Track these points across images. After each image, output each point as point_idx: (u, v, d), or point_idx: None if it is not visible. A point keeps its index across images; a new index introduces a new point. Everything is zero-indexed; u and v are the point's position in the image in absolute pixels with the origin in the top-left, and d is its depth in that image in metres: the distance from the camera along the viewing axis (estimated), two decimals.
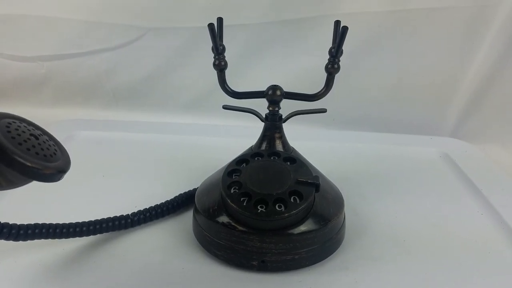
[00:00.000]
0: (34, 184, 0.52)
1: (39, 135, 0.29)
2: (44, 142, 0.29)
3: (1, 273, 0.38)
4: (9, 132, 0.27)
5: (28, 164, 0.26)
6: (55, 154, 0.29)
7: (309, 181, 0.39)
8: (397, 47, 0.70)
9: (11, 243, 0.35)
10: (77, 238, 0.40)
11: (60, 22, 0.74)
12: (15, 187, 0.28)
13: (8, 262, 0.39)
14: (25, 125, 0.29)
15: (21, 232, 0.35)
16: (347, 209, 0.43)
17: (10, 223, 0.34)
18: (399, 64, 0.72)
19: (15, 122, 0.28)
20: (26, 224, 0.36)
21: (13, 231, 0.34)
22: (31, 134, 0.28)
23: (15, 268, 0.38)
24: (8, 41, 0.76)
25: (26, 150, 0.27)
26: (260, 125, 0.46)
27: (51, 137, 0.30)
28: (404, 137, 0.69)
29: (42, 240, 0.38)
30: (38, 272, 0.38)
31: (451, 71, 0.72)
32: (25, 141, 0.27)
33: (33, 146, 0.28)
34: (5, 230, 0.33)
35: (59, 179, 0.29)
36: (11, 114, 0.29)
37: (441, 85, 0.73)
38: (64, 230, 0.38)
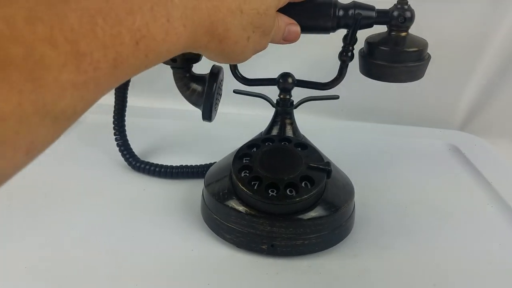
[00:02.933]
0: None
1: (220, 95, 0.44)
2: (218, 100, 0.43)
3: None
4: (219, 88, 0.42)
5: (212, 115, 0.42)
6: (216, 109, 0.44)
7: (320, 166, 0.39)
8: None
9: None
10: (84, 215, 0.41)
11: None
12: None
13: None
14: (221, 83, 0.43)
15: None
16: (356, 199, 0.43)
17: None
18: None
19: (222, 81, 0.43)
20: None
21: None
22: (218, 93, 0.42)
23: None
24: None
25: (215, 104, 0.42)
26: (270, 114, 0.46)
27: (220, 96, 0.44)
28: (413, 129, 0.69)
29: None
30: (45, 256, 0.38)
31: (462, 65, 0.71)
32: (217, 97, 0.42)
33: (216, 103, 0.43)
34: None
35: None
36: (222, 72, 0.43)
37: (452, 79, 0.72)
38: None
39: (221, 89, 0.44)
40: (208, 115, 0.42)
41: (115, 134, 0.52)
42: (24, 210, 0.43)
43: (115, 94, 0.51)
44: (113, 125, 0.52)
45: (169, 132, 0.64)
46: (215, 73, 0.42)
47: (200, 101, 0.42)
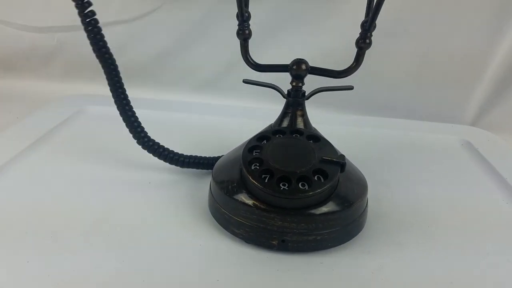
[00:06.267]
0: (41, 157, 0.49)
1: None
2: None
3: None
4: None
5: None
6: None
7: (334, 159, 0.37)
8: (421, 33, 0.68)
9: None
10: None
11: None
12: None
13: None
14: None
15: None
16: (369, 195, 0.41)
17: None
18: (422, 50, 0.69)
19: None
20: None
21: None
22: None
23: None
24: (19, 11, 0.74)
25: None
26: (278, 107, 0.45)
27: None
28: (425, 124, 0.67)
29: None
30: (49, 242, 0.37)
31: (475, 59, 0.70)
32: None
33: None
34: None
35: None
36: None
37: (464, 74, 0.71)
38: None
39: None
40: None
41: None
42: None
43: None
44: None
45: (176, 124, 0.63)
46: None
47: None
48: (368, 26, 0.37)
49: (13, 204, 0.41)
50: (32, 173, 0.47)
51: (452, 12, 0.67)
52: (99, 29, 0.39)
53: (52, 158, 0.51)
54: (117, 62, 0.77)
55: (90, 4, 0.37)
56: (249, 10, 0.41)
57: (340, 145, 0.45)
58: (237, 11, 0.39)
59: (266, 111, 0.47)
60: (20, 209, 0.41)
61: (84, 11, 0.37)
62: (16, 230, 0.38)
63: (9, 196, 0.43)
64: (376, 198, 0.45)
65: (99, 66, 0.78)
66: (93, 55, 0.77)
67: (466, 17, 0.67)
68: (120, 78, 0.43)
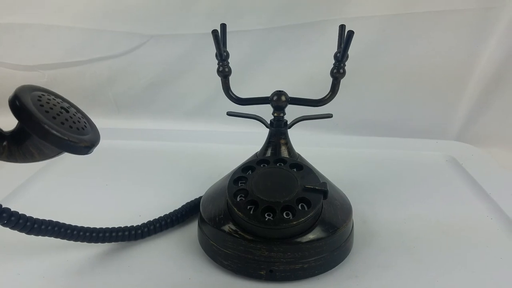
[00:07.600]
0: (36, 192, 0.51)
1: (68, 108, 0.30)
2: (74, 115, 0.30)
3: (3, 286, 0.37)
4: (41, 106, 0.27)
5: (65, 138, 0.27)
6: (85, 127, 0.30)
7: (316, 187, 0.38)
8: (402, 51, 0.70)
9: (14, 254, 0.34)
10: (81, 250, 0.40)
11: (61, 30, 0.73)
12: (47, 159, 0.29)
13: (11, 274, 0.38)
14: (54, 97, 0.29)
15: (30, 224, 0.33)
16: (355, 216, 0.42)
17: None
18: (404, 68, 0.71)
19: (44, 95, 0.29)
20: (35, 218, 0.33)
21: (28, 224, 0.32)
22: (61, 107, 0.29)
23: (18, 280, 0.37)
24: (9, 50, 0.76)
25: (60, 123, 0.28)
26: (265, 131, 0.46)
27: (78, 110, 0.31)
28: (409, 141, 0.68)
29: (45, 252, 0.37)
30: (41, 285, 0.37)
31: (456, 75, 0.72)
32: (58, 114, 0.28)
33: (66, 120, 0.28)
34: (14, 219, 0.31)
35: (90, 153, 0.29)
36: (38, 87, 0.30)
37: (446, 89, 0.73)
38: (69, 231, 0.36)
39: (57, 104, 0.29)
40: (75, 147, 0.28)
41: None
42: None
43: None
44: None
45: (164, 153, 0.64)
46: (19, 96, 0.27)
47: (53, 148, 0.28)
48: (340, 57, 0.39)
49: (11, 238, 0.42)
50: (33, 205, 0.48)
51: (431, 30, 0.69)
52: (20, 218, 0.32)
53: (48, 192, 0.52)
54: (108, 95, 0.79)
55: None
56: (233, 42, 0.42)
57: (325, 166, 0.46)
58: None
59: (254, 135, 0.48)
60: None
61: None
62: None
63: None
64: (362, 218, 0.46)
65: (90, 99, 0.80)
66: (83, 89, 0.80)
67: (445, 35, 0.69)
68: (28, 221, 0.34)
